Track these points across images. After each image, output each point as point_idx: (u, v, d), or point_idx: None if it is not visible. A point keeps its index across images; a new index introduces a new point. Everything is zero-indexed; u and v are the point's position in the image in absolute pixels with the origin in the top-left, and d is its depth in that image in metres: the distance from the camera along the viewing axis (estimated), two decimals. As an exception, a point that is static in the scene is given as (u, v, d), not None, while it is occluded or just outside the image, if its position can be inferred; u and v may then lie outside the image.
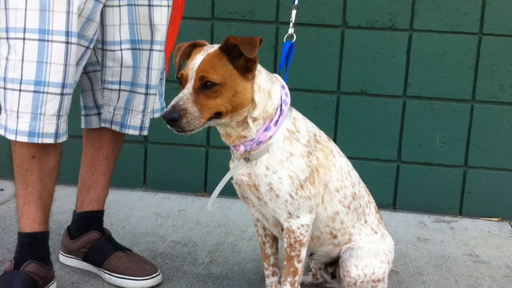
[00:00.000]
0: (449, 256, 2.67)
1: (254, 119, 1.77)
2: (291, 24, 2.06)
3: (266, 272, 2.08)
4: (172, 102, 1.66)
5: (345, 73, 3.16)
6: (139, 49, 2.17)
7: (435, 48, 3.09)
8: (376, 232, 2.04)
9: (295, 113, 1.89)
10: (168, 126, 1.67)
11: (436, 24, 3.07)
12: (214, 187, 1.95)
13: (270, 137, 1.79)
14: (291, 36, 2.06)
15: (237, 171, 1.86)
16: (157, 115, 2.33)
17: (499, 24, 3.04)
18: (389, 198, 3.24)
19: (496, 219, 3.17)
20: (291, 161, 1.80)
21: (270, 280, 2.08)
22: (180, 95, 1.68)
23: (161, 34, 2.18)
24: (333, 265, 2.10)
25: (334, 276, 2.13)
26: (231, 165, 1.91)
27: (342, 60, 3.15)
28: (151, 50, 2.19)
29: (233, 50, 1.69)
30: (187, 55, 1.79)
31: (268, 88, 1.78)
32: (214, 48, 1.74)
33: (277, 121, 1.80)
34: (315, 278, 2.30)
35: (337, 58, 3.15)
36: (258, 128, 1.78)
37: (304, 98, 3.19)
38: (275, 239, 2.07)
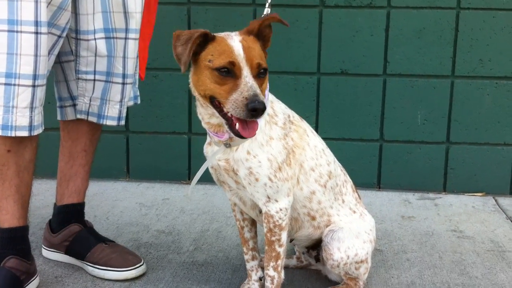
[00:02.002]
0: (434, 232, 2.68)
1: None
2: (267, 4, 2.04)
3: (246, 257, 2.08)
4: (251, 92, 1.61)
5: (324, 54, 3.14)
6: (114, 37, 2.14)
7: (414, 25, 3.08)
8: (354, 212, 2.04)
9: (271, 96, 1.89)
10: (248, 117, 1.61)
11: (413, 0, 3.05)
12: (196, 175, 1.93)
13: None
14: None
15: (217, 156, 1.85)
16: (130, 103, 2.30)
17: (476, -2, 3.03)
18: (373, 178, 3.24)
19: (480, 194, 3.19)
20: (271, 145, 1.81)
21: (250, 265, 2.08)
22: (249, 84, 1.63)
23: (135, 21, 2.14)
24: (316, 248, 2.10)
25: (318, 259, 2.13)
26: (207, 148, 1.90)
27: (321, 41, 3.13)
28: (126, 38, 2.15)
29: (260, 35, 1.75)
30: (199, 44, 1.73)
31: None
32: (237, 34, 1.74)
33: None
34: (299, 261, 2.30)
35: (316, 39, 3.13)
36: None
37: (284, 81, 3.17)
38: (253, 223, 2.07)
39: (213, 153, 1.86)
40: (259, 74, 1.68)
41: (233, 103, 1.63)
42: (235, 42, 1.69)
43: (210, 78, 1.69)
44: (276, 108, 1.87)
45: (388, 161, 3.22)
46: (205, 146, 1.92)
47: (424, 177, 3.22)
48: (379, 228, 2.68)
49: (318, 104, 3.19)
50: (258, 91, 1.62)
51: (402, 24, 3.08)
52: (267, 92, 1.82)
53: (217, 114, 1.75)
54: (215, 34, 1.74)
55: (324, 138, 3.12)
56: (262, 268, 2.01)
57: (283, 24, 1.77)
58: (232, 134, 1.75)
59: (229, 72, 1.66)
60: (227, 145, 1.81)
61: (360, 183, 3.21)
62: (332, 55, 3.14)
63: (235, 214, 2.07)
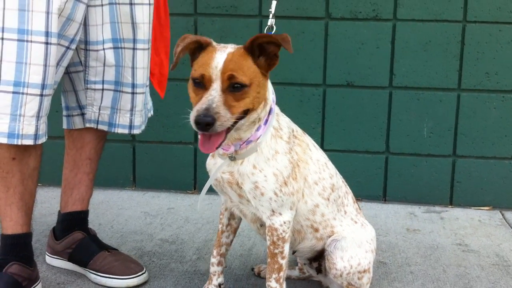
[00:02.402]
0: (438, 246, 2.66)
1: (260, 119, 1.77)
2: (271, 15, 2.05)
3: (213, 260, 2.07)
4: (203, 105, 1.60)
5: (330, 66, 3.15)
6: (122, 47, 2.16)
7: (420, 37, 3.08)
8: (356, 222, 2.04)
9: (277, 109, 1.88)
10: (196, 129, 1.61)
11: (419, 12, 3.06)
12: (203, 184, 1.94)
13: (259, 136, 1.79)
14: (271, 27, 2.04)
15: (222, 168, 1.84)
16: (149, 114, 2.37)
17: (482, 11, 3.03)
18: (379, 190, 3.23)
19: (487, 208, 3.17)
20: (276, 159, 1.80)
21: (215, 269, 2.08)
22: (210, 97, 1.61)
23: (143, 32, 2.17)
24: (317, 260, 2.10)
25: (319, 270, 2.12)
26: (210, 161, 1.90)
27: (327, 53, 3.14)
28: (134, 49, 2.18)
29: (256, 50, 1.68)
30: (191, 51, 1.75)
31: (270, 85, 1.80)
32: (233, 47, 1.70)
33: (266, 119, 1.79)
34: (301, 272, 2.30)
35: (322, 51, 3.14)
36: (255, 128, 1.77)
37: (290, 92, 3.18)
38: (234, 232, 2.08)
39: (218, 166, 1.85)
40: (234, 88, 1.64)
41: (191, 115, 1.62)
42: (221, 54, 1.66)
43: (190, 87, 1.71)
44: (281, 121, 1.86)
45: (394, 173, 3.21)
46: (208, 159, 1.91)
47: (430, 190, 3.20)
48: (383, 241, 2.67)
49: (323, 116, 3.20)
50: (214, 105, 1.59)
51: (408, 37, 3.09)
52: (273, 105, 1.81)
53: (239, 128, 1.74)
54: (217, 44, 1.74)
55: (329, 150, 3.18)
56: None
57: (286, 49, 1.69)
58: (237, 147, 1.77)
59: (200, 83, 1.66)
60: (232, 158, 1.81)
61: (365, 196, 3.22)
62: (338, 67, 3.15)
63: (221, 218, 2.07)
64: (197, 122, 1.59)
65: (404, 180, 3.21)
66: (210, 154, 1.91)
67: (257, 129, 1.78)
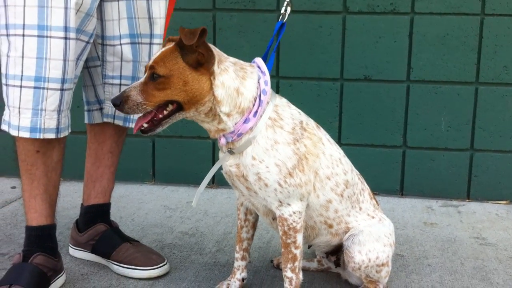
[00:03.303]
0: (456, 239, 2.67)
1: (228, 114, 1.80)
2: (285, 3, 2.07)
3: (236, 255, 2.11)
4: (123, 90, 1.82)
5: (347, 60, 3.16)
6: (139, 43, 2.20)
7: (437, 31, 3.08)
8: (373, 217, 2.04)
9: (278, 100, 1.89)
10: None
11: (437, 6, 3.06)
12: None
13: (251, 129, 1.81)
14: (283, 15, 2.07)
15: (224, 162, 1.89)
16: None
17: (501, 4, 3.02)
18: (396, 184, 3.24)
19: (504, 202, 3.16)
20: (277, 149, 1.82)
21: (238, 263, 2.11)
22: (133, 83, 1.81)
23: (160, 27, 2.21)
24: (335, 253, 2.12)
25: (338, 264, 2.14)
26: (221, 155, 1.93)
27: (345, 47, 3.15)
28: (151, 44, 2.22)
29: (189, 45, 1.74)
30: None
31: (236, 85, 1.80)
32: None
33: (256, 111, 1.81)
34: (320, 264, 2.32)
35: (339, 45, 3.15)
36: (235, 121, 1.81)
37: (307, 86, 3.20)
38: (253, 226, 2.11)
39: (220, 159, 1.90)
40: (154, 78, 1.76)
41: None
42: (161, 49, 1.81)
43: None
44: (281, 112, 1.86)
45: (411, 167, 3.22)
46: (219, 153, 1.95)
47: (447, 184, 3.20)
48: (401, 234, 2.69)
49: (341, 110, 3.21)
50: (128, 89, 1.78)
51: (425, 30, 3.09)
52: (264, 97, 1.81)
53: (199, 119, 1.85)
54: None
55: (346, 144, 3.20)
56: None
57: (183, 40, 1.73)
58: (228, 139, 1.83)
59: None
60: (231, 151, 1.85)
61: (382, 190, 3.23)
62: (355, 61, 3.16)
63: (238, 213, 2.10)
64: (111, 102, 1.81)
65: (421, 174, 3.21)
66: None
67: (245, 121, 1.80)
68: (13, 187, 3.26)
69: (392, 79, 3.15)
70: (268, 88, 1.85)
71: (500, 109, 3.11)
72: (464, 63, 3.09)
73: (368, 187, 2.10)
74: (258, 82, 1.84)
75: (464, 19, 3.06)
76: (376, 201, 2.12)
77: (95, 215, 2.34)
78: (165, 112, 1.80)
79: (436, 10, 3.06)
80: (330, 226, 1.98)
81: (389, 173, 3.23)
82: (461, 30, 3.07)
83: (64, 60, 1.96)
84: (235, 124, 1.81)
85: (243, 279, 2.12)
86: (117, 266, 2.25)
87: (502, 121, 3.11)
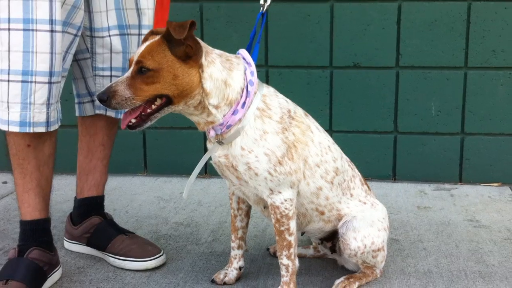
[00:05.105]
0: (450, 222, 2.69)
1: (216, 106, 1.80)
2: None
3: (232, 244, 2.11)
4: (109, 84, 1.76)
5: (337, 47, 3.16)
6: (128, 34, 2.18)
7: (425, 17, 3.09)
8: (365, 203, 2.05)
9: (266, 90, 1.88)
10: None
11: (425, -8, 3.07)
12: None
13: (240, 120, 1.81)
14: (263, 6, 2.06)
15: (213, 153, 1.88)
16: None
17: (488, -12, 3.04)
18: (388, 169, 3.26)
19: (496, 184, 3.19)
20: (266, 139, 1.82)
21: (235, 252, 2.12)
22: (119, 78, 1.76)
23: (148, 18, 2.19)
24: (330, 239, 2.12)
25: (333, 250, 2.15)
26: (209, 146, 1.93)
27: (333, 35, 3.15)
28: (139, 34, 2.20)
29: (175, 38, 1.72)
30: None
31: (223, 77, 1.80)
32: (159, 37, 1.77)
33: (244, 102, 1.81)
34: (316, 251, 2.33)
35: (328, 33, 3.15)
36: (224, 113, 1.81)
37: (297, 75, 3.20)
38: (246, 215, 2.11)
39: (209, 150, 1.90)
40: (142, 72, 1.72)
41: None
42: (147, 42, 1.76)
43: None
44: (269, 101, 1.86)
45: (403, 152, 3.24)
46: (207, 143, 1.94)
47: (439, 168, 3.23)
48: (395, 219, 2.70)
49: (331, 97, 3.21)
50: (114, 84, 1.73)
51: (413, 17, 3.10)
52: (251, 88, 1.81)
53: (187, 112, 1.83)
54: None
55: (338, 131, 3.21)
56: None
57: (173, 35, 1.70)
58: (218, 131, 1.82)
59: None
60: (220, 142, 1.84)
61: (375, 175, 3.25)
62: (344, 49, 3.16)
63: (231, 203, 2.10)
64: (98, 98, 1.76)
65: (413, 159, 3.23)
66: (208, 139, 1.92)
67: (234, 113, 1.80)
68: (5, 182, 3.23)
69: (382, 66, 3.16)
70: (254, 78, 1.85)
71: (489, 93, 3.13)
72: (453, 48, 3.11)
73: (359, 173, 2.11)
74: (245, 73, 1.84)
75: (451, 4, 3.07)
76: (368, 187, 2.12)
77: (89, 208, 2.33)
78: (153, 107, 1.78)
79: (424, -5, 3.08)
80: (322, 213, 1.99)
81: (381, 158, 3.24)
82: (448, 16, 3.08)
83: (51, 53, 1.94)
84: (224, 116, 1.80)
85: (240, 268, 2.12)
86: (113, 259, 2.24)
87: (491, 104, 3.14)
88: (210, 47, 1.84)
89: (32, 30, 1.90)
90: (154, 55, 1.73)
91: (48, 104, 1.97)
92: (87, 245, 2.32)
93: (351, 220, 1.99)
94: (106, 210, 2.40)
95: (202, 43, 1.81)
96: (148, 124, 1.81)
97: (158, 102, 1.78)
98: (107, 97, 1.72)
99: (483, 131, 3.17)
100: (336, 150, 2.00)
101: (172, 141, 3.34)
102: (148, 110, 1.78)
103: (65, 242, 2.40)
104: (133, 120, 1.79)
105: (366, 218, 2.00)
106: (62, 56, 1.99)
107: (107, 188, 2.43)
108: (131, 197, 3.05)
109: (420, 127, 3.20)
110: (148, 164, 3.40)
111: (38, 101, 1.94)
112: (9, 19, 1.90)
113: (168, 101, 1.77)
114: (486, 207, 2.87)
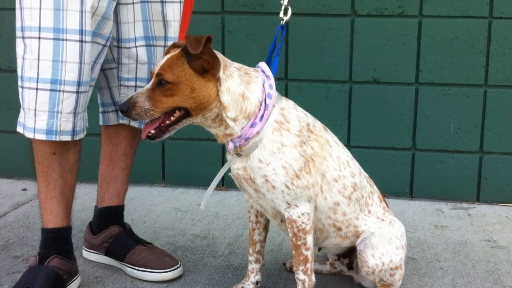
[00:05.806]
0: (467, 242, 2.67)
1: (234, 119, 1.82)
2: (282, 7, 2.09)
3: (250, 258, 2.12)
4: (130, 96, 1.81)
5: (356, 62, 3.17)
6: (154, 45, 2.21)
7: (446, 33, 3.09)
8: (383, 220, 2.04)
9: (284, 103, 1.90)
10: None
11: (445, 9, 3.07)
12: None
13: (258, 132, 1.82)
14: (282, 19, 2.09)
15: (231, 165, 1.90)
16: None
17: (509, 7, 3.03)
18: (405, 187, 3.25)
19: (514, 204, 3.17)
20: (283, 152, 1.83)
21: (252, 266, 2.12)
22: (140, 89, 1.81)
23: (174, 30, 2.22)
24: (348, 256, 2.12)
25: (350, 267, 2.14)
26: (228, 157, 1.94)
27: (353, 49, 3.16)
28: (165, 46, 2.23)
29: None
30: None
31: (241, 90, 1.81)
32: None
33: (262, 115, 1.82)
34: (333, 267, 2.32)
35: (348, 47, 3.16)
36: (242, 126, 1.82)
37: (316, 89, 3.21)
38: (265, 228, 2.11)
39: (227, 162, 1.91)
40: (161, 84, 1.76)
41: None
42: (167, 55, 1.81)
43: None
44: (288, 114, 1.87)
45: (421, 170, 3.23)
46: (227, 154, 1.96)
47: (457, 187, 3.21)
48: (412, 237, 2.69)
49: (350, 112, 3.22)
50: (135, 95, 1.78)
51: (434, 33, 3.10)
52: (269, 101, 1.82)
53: (206, 124, 1.86)
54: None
55: (355, 147, 3.21)
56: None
57: (189, 50, 1.74)
58: (236, 144, 1.83)
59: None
60: (238, 154, 1.86)
61: (392, 192, 3.24)
62: (364, 64, 3.17)
63: (249, 216, 2.10)
64: (118, 108, 1.83)
65: (431, 177, 3.22)
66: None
67: (252, 126, 1.81)
68: (24, 189, 3.26)
69: (401, 82, 3.16)
70: (273, 91, 1.86)
71: (509, 112, 3.11)
72: (473, 65, 3.10)
73: (377, 189, 2.10)
74: (263, 86, 1.85)
75: (472, 22, 3.07)
76: (387, 204, 2.12)
77: (109, 217, 2.35)
78: (172, 118, 1.81)
79: (444, 13, 3.07)
80: (339, 229, 1.99)
81: (399, 175, 3.24)
82: (469, 33, 3.08)
83: (80, 63, 1.97)
84: (242, 128, 1.82)
85: (257, 282, 2.12)
86: (131, 269, 2.25)
87: (511, 123, 3.12)
88: (230, 61, 1.86)
89: (62, 39, 1.94)
90: (173, 68, 1.76)
91: (75, 113, 2.00)
92: (106, 254, 2.34)
93: (369, 237, 1.98)
94: (124, 220, 2.42)
95: (221, 57, 1.83)
96: (167, 135, 1.84)
97: (177, 114, 1.81)
98: (127, 108, 1.77)
99: (502, 150, 3.15)
100: (354, 165, 2.00)
101: (191, 152, 3.36)
102: (167, 122, 1.81)
103: (83, 251, 2.42)
104: (153, 131, 1.82)
105: (384, 235, 2.00)
106: (90, 66, 2.02)
107: (126, 197, 2.45)
108: (149, 207, 3.07)
109: (439, 144, 3.19)
110: (166, 175, 3.41)
111: (65, 110, 1.98)
112: (39, 27, 1.93)
113: (186, 113, 1.80)
114: (503, 228, 2.85)
